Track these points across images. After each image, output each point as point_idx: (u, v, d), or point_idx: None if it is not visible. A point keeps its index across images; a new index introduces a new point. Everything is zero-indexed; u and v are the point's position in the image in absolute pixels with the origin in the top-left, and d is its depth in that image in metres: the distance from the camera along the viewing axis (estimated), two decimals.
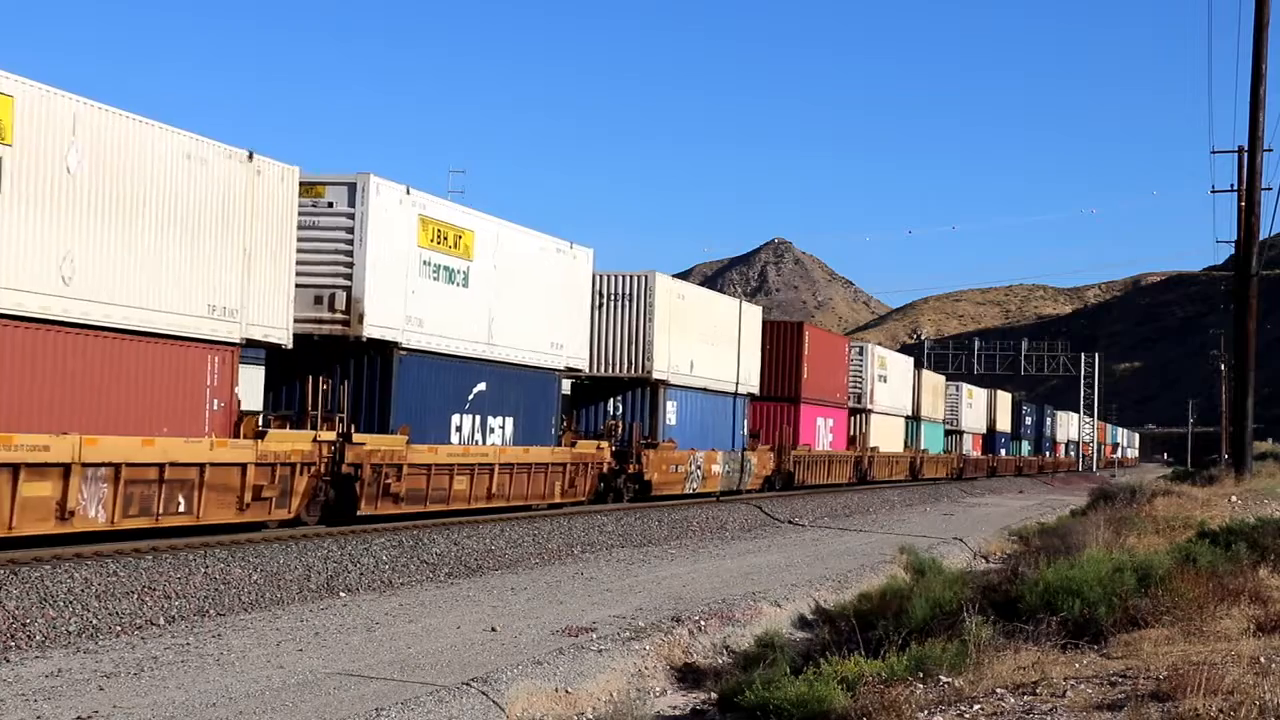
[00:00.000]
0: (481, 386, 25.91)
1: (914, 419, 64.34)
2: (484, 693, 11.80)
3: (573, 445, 29.64)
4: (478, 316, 25.61)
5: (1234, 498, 33.98)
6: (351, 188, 22.37)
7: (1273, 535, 19.36)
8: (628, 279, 33.25)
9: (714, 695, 13.25)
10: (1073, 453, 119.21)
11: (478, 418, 25.81)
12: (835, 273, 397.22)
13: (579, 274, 30.24)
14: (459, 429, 25.21)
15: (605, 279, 33.01)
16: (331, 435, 21.24)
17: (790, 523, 34.42)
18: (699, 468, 36.04)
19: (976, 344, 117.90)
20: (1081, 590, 14.10)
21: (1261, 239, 43.94)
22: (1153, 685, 9.72)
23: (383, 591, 18.16)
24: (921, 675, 11.15)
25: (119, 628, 14.31)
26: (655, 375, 33.30)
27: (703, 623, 16.40)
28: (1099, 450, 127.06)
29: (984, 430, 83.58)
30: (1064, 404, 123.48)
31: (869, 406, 55.16)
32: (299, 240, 21.22)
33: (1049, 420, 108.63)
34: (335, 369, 22.56)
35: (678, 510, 31.81)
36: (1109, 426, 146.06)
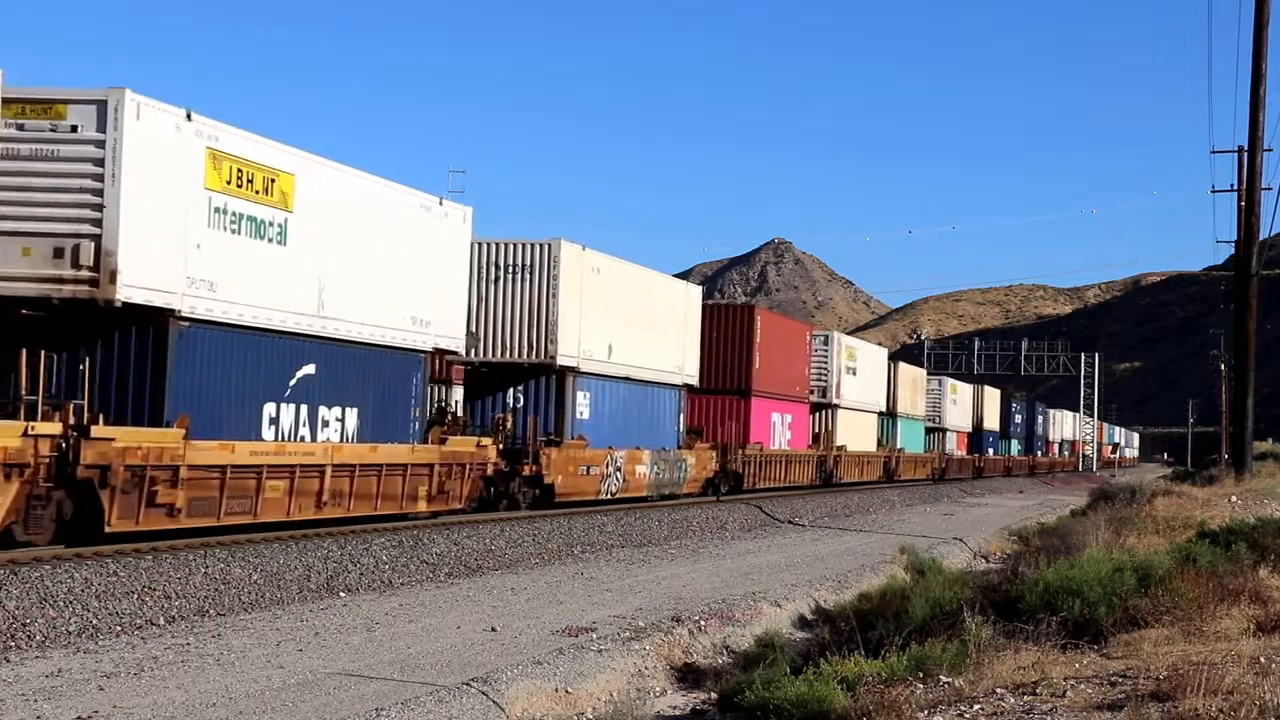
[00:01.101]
0: (309, 370, 21.20)
1: (889, 415, 59.88)
2: (484, 693, 11.80)
3: (442, 442, 24.54)
4: (302, 282, 20.71)
5: (1234, 498, 33.98)
6: (101, 107, 17.21)
7: (1273, 535, 19.36)
8: (528, 248, 28.42)
9: (714, 695, 13.25)
10: (1067, 452, 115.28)
11: (304, 408, 21.04)
12: (835, 273, 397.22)
13: (453, 236, 25.09)
14: (275, 422, 20.38)
15: (501, 248, 28.43)
16: (56, 428, 16.18)
17: (790, 523, 34.41)
18: (618, 469, 31.42)
19: (976, 344, 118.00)
20: (1081, 590, 14.10)
21: (1261, 239, 43.95)
22: (1153, 685, 9.72)
23: (383, 591, 18.16)
24: (921, 675, 11.14)
25: (119, 628, 14.31)
26: (561, 361, 28.61)
27: (703, 623, 16.40)
28: (1098, 450, 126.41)
29: (970, 428, 79.24)
30: (1064, 404, 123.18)
31: (835, 401, 50.46)
32: (28, 175, 17.12)
33: (1040, 418, 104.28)
34: (81, 343, 17.72)
35: (678, 510, 31.81)
36: (1106, 425, 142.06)
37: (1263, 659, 10.71)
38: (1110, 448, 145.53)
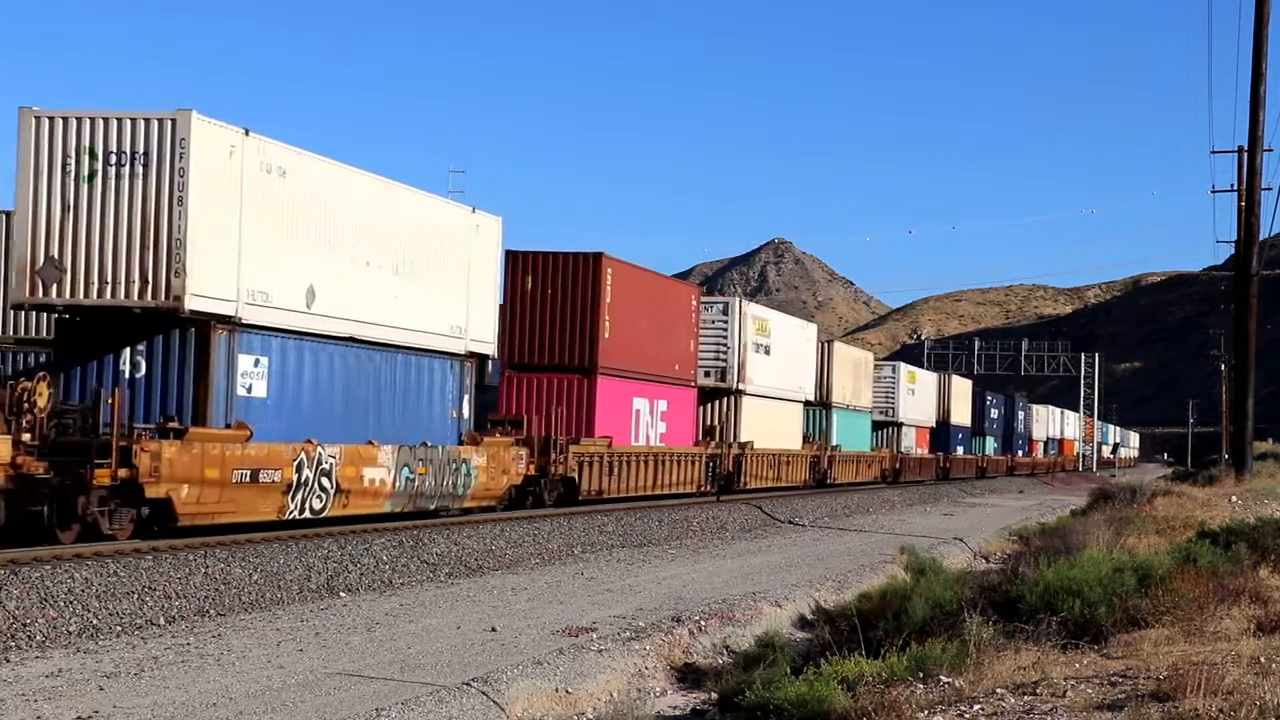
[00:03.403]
0: None
1: (821, 406, 50.41)
2: (484, 693, 11.80)
3: None
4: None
5: (1234, 498, 34.00)
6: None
7: (1273, 535, 19.36)
8: (140, 125, 18.92)
9: (714, 695, 13.26)
10: (1054, 452, 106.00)
11: None
12: (835, 273, 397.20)
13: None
14: None
15: (98, 126, 18.93)
16: None
17: (790, 523, 34.41)
18: (325, 475, 21.08)
19: (976, 344, 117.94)
20: (1082, 590, 14.10)
21: (1261, 239, 43.96)
22: (1153, 685, 9.72)
23: (383, 591, 18.16)
24: (922, 675, 11.15)
25: (119, 628, 14.32)
26: (197, 305, 18.97)
27: (703, 623, 16.40)
28: (1098, 451, 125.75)
29: (933, 423, 68.89)
30: (1065, 404, 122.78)
31: (739, 386, 40.25)
32: None
33: (1022, 414, 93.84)
34: None
35: (678, 510, 31.78)
36: (1101, 424, 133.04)
37: (1263, 659, 10.71)
38: (1108, 447, 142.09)
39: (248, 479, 19.32)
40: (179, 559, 16.92)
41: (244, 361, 20.01)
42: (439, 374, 25.17)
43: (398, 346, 23.72)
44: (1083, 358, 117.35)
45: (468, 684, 11.89)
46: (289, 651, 13.27)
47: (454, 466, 24.95)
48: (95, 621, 14.25)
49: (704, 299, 39.70)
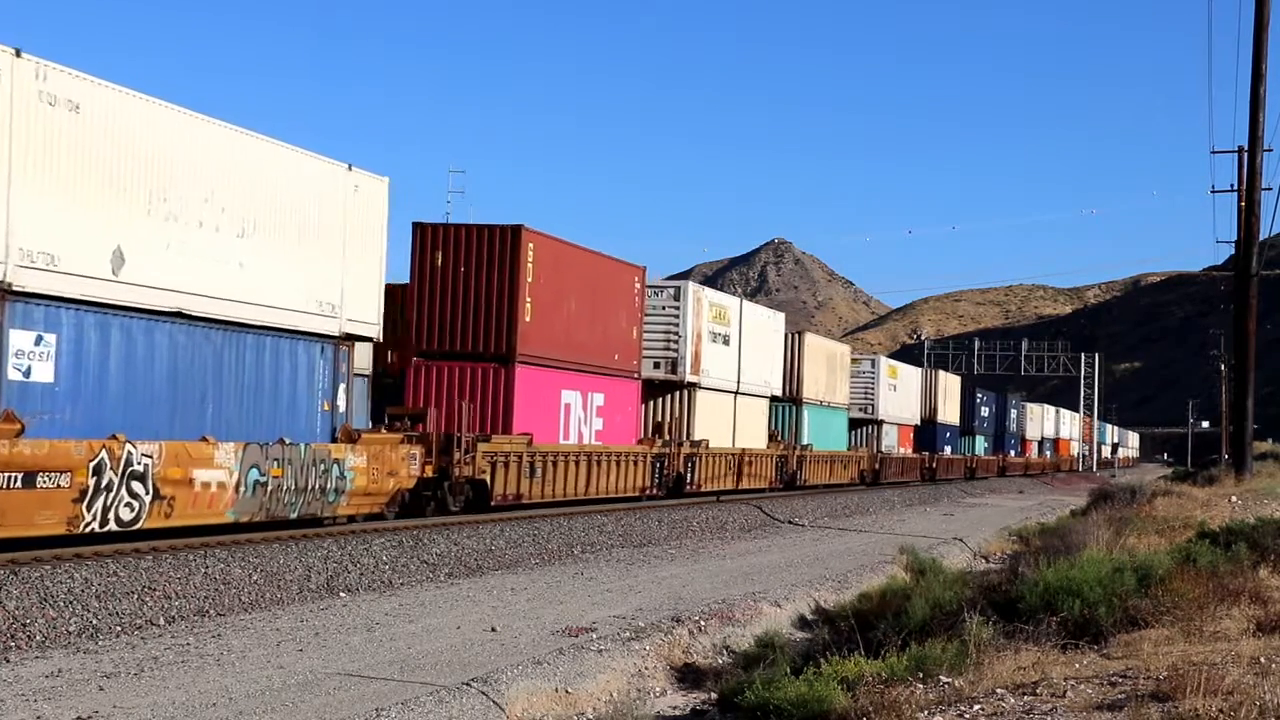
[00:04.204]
0: None
1: (790, 402, 46.65)
2: (484, 693, 11.81)
3: None
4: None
5: (1234, 498, 34.00)
6: None
7: (1273, 535, 19.36)
8: None
9: (714, 695, 13.26)
10: (1048, 452, 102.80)
11: None
12: (835, 273, 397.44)
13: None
14: None
15: None
16: None
17: (790, 523, 34.42)
18: (135, 477, 17.08)
19: (976, 344, 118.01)
20: (1081, 590, 14.10)
21: (1261, 239, 44.00)
22: (1153, 685, 9.72)
23: (383, 591, 18.16)
24: (921, 675, 11.15)
25: (119, 628, 14.32)
26: None
27: (703, 623, 16.40)
28: (1098, 451, 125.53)
29: (918, 421, 65.22)
30: (1065, 404, 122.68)
31: (691, 378, 36.26)
32: None
33: (1014, 413, 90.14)
34: None
35: (678, 510, 31.78)
36: (1100, 423, 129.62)
37: (1263, 659, 10.71)
38: (1107, 448, 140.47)
39: (19, 484, 15.32)
40: (179, 559, 16.93)
41: (17, 338, 15.90)
42: (304, 359, 21.27)
43: (245, 325, 19.69)
44: (1083, 358, 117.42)
45: (467, 684, 11.89)
46: (289, 651, 13.27)
47: (322, 468, 20.95)
48: (95, 621, 14.26)
49: (653, 283, 35.44)
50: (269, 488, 19.67)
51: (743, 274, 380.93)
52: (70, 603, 14.41)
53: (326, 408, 21.88)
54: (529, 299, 27.54)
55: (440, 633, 14.76)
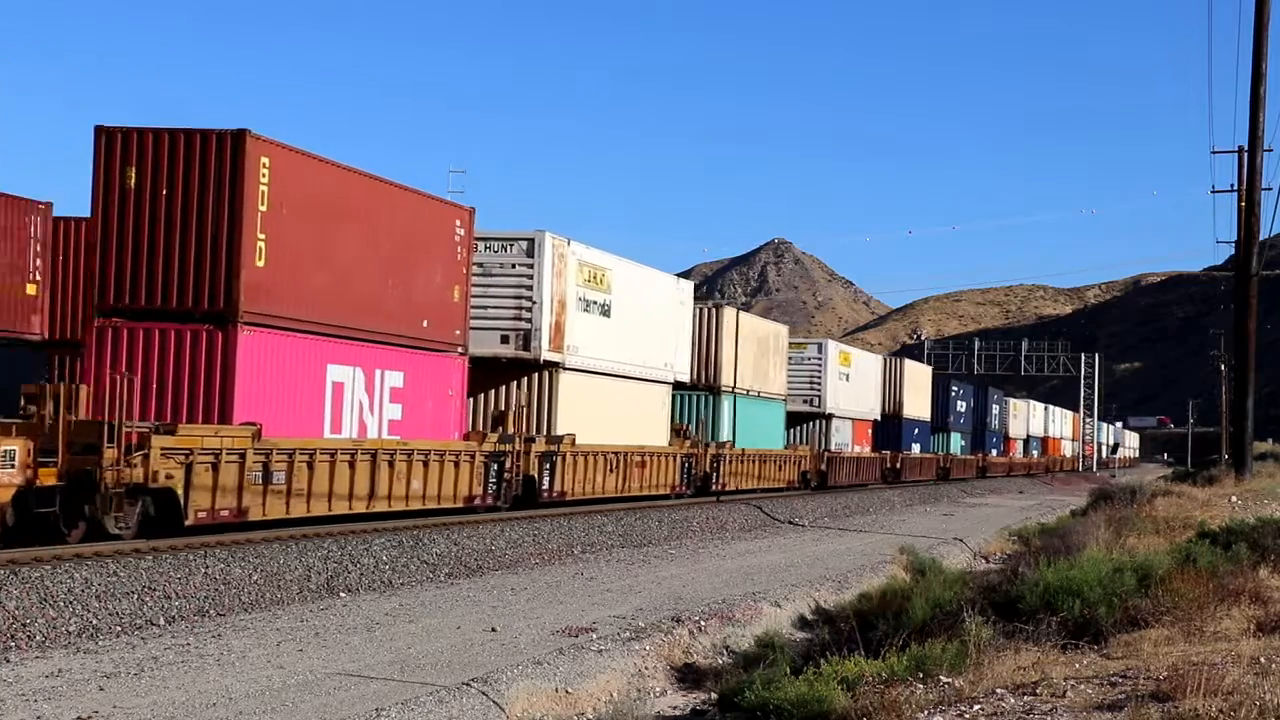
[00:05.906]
0: None
1: (706, 390, 38.77)
2: (484, 693, 11.81)
3: None
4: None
5: (1234, 498, 33.98)
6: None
7: (1273, 535, 19.36)
8: None
9: (714, 695, 13.26)
10: (1035, 452, 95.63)
11: None
12: (835, 273, 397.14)
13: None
14: None
15: None
16: None
17: (790, 523, 34.43)
18: None
19: (976, 344, 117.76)
20: (1081, 590, 14.10)
21: (1261, 239, 43.93)
22: (1153, 685, 9.72)
23: (383, 591, 18.16)
24: (921, 675, 11.15)
25: (119, 628, 14.32)
26: None
27: (703, 623, 16.40)
28: (1098, 450, 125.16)
29: (878, 415, 56.99)
30: (1065, 404, 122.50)
31: (548, 356, 28.43)
32: None
33: (996, 409, 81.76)
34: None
35: (678, 510, 31.77)
36: (1094, 421, 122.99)
37: (1263, 659, 10.71)
38: (1106, 447, 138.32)
39: None
40: (179, 559, 16.93)
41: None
42: None
43: None
44: (1083, 358, 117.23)
45: (467, 684, 11.89)
46: (289, 651, 13.27)
47: None
48: (95, 621, 14.25)
49: (499, 234, 28.05)
50: None
51: (743, 274, 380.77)
52: (70, 603, 14.41)
53: None
54: (262, 236, 20.00)
55: (440, 633, 14.76)
